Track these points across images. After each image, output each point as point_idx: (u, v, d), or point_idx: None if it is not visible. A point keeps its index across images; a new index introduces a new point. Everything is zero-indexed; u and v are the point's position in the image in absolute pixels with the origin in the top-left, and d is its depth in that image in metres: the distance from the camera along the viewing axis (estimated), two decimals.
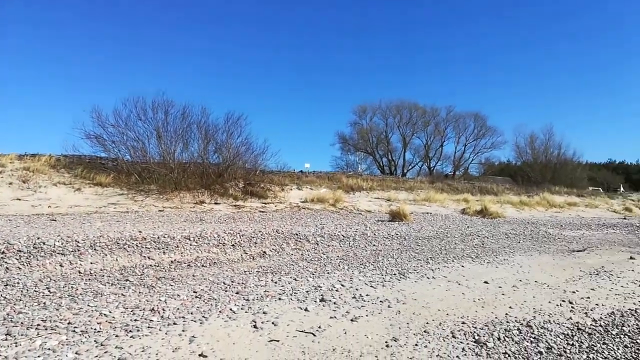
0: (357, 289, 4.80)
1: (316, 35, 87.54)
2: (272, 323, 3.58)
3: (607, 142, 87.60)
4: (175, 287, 4.61)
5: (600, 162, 48.75)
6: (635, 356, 3.11)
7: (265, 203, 13.79)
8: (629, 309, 4.27)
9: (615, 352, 3.17)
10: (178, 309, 3.84)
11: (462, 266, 6.33)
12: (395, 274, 5.62)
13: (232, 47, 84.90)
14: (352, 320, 3.75)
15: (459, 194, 19.60)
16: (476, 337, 3.40)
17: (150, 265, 5.64)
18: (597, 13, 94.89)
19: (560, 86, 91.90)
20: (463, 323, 3.76)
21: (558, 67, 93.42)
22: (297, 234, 8.31)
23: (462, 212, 15.19)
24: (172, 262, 5.90)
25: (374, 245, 8.00)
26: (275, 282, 5.01)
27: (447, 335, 3.45)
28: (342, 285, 4.98)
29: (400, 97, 49.07)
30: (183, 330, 3.31)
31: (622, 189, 37.68)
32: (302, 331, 3.45)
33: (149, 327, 3.35)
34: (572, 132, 59.92)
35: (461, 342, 3.31)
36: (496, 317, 3.93)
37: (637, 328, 3.69)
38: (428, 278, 5.48)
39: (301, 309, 4.01)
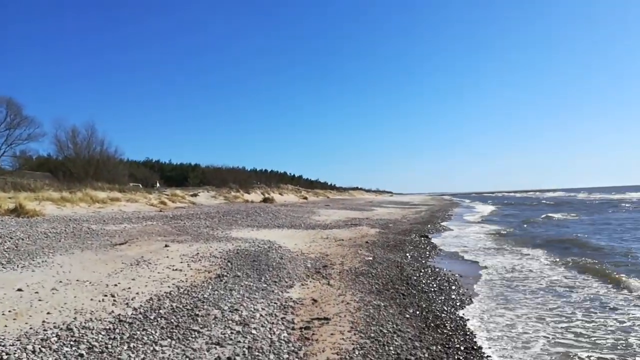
0: None
1: None
2: None
3: (145, 142, 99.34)
4: None
5: (140, 160, 53.42)
6: (170, 335, 3.70)
7: None
8: (165, 292, 5.03)
9: (154, 336, 3.65)
10: None
11: None
12: None
13: None
14: None
15: None
16: (5, 357, 2.96)
17: None
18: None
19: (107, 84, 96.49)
20: None
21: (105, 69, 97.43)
22: None
23: None
24: None
25: None
26: None
27: None
28: None
29: None
30: None
31: (158, 184, 43.19)
32: None
33: None
34: (115, 131, 63.65)
35: None
36: (31, 328, 3.60)
37: (172, 309, 4.41)
38: None
39: None
